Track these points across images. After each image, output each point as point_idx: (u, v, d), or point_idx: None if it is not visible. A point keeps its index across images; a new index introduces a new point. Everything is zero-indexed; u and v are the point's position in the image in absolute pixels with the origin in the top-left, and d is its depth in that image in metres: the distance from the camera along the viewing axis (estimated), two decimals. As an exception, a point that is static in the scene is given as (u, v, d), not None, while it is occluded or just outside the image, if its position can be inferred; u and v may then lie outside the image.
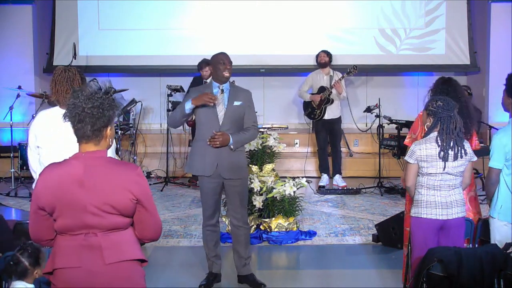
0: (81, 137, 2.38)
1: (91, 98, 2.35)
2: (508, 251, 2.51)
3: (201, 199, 4.37)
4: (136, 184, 2.39)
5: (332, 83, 7.69)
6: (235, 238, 4.41)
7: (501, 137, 3.48)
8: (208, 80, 8.00)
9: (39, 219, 2.40)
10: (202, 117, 4.22)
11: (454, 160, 3.43)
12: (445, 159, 3.41)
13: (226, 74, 4.23)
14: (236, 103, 4.24)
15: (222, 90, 4.25)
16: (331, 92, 7.70)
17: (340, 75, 7.82)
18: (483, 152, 4.63)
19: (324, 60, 7.84)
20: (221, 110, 4.21)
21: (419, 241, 3.51)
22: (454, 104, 3.48)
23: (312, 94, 7.88)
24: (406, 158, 3.53)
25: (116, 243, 2.38)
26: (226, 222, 5.51)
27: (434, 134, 3.47)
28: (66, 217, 2.35)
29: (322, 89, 7.80)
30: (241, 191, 4.30)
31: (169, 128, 8.28)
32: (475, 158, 3.56)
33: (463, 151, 3.44)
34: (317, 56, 7.94)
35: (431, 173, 3.46)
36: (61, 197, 2.34)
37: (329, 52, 7.93)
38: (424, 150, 3.45)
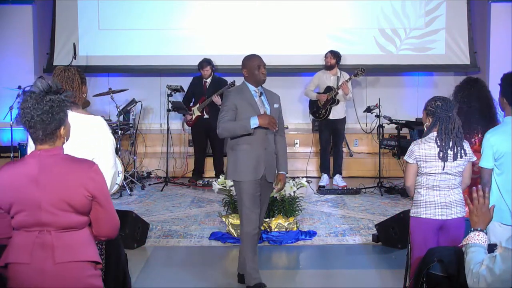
0: (35, 140, 2.41)
1: (40, 102, 2.34)
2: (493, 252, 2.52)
3: (244, 204, 4.16)
4: (91, 181, 2.39)
5: (339, 84, 7.68)
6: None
7: (490, 137, 3.47)
8: (209, 80, 8.11)
9: None
10: (247, 119, 4.12)
11: (453, 160, 3.44)
12: (444, 159, 3.42)
13: (263, 78, 4.21)
14: (275, 105, 4.26)
15: (261, 93, 4.23)
16: (337, 92, 7.70)
17: (347, 75, 7.82)
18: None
19: (330, 63, 7.84)
20: (266, 113, 4.18)
21: (419, 241, 3.51)
22: (453, 104, 3.49)
23: (319, 93, 7.88)
24: (405, 158, 3.53)
25: (68, 243, 2.39)
26: (226, 222, 5.53)
27: (433, 134, 3.47)
28: (21, 215, 2.37)
29: (328, 89, 7.79)
30: (270, 193, 4.42)
31: (169, 128, 8.30)
32: (475, 158, 3.56)
33: (462, 151, 3.45)
34: (325, 57, 7.94)
35: (430, 173, 3.46)
36: (17, 195, 2.36)
37: (336, 53, 7.90)
38: (423, 150, 3.46)
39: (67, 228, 2.39)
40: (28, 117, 2.35)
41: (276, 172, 4.32)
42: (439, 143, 3.43)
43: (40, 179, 2.36)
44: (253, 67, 4.19)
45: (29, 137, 3.48)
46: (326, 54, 7.91)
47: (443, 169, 3.44)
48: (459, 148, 3.44)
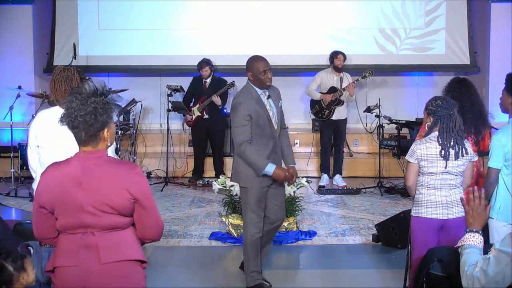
0: (78, 141, 2.42)
1: (84, 103, 2.36)
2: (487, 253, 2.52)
3: (250, 208, 4.13)
4: (134, 184, 2.39)
5: (346, 86, 7.66)
6: (269, 235, 4.41)
7: (501, 137, 3.47)
8: (208, 81, 8.10)
9: (41, 217, 2.44)
10: (260, 128, 4.06)
11: (455, 160, 3.44)
12: (446, 158, 3.42)
13: (268, 83, 4.12)
14: (280, 103, 4.25)
15: (268, 96, 4.17)
16: (342, 93, 7.69)
17: (349, 76, 7.81)
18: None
19: (341, 65, 7.80)
20: (273, 116, 4.14)
21: (419, 241, 3.51)
22: (454, 103, 3.48)
23: (322, 93, 7.86)
24: (407, 157, 3.53)
25: (113, 243, 2.39)
26: (226, 222, 5.53)
27: (435, 133, 3.47)
28: (65, 216, 2.38)
29: (333, 90, 7.77)
30: (284, 192, 4.44)
31: (169, 128, 8.30)
32: (476, 158, 3.56)
33: (463, 150, 3.45)
34: (334, 57, 7.80)
35: (431, 173, 3.46)
36: (60, 197, 2.36)
37: (345, 55, 7.89)
38: (424, 149, 3.45)
39: (110, 228, 2.38)
40: (72, 117, 2.36)
41: (285, 166, 4.30)
42: (440, 142, 3.43)
43: (82, 181, 2.36)
44: (258, 71, 4.08)
45: (29, 137, 3.49)
46: (338, 55, 7.79)
47: (445, 169, 3.44)
48: (460, 147, 3.44)
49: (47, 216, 2.43)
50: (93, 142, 2.41)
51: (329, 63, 7.94)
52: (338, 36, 9.03)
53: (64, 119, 2.40)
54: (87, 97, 2.38)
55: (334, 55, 7.85)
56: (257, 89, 4.13)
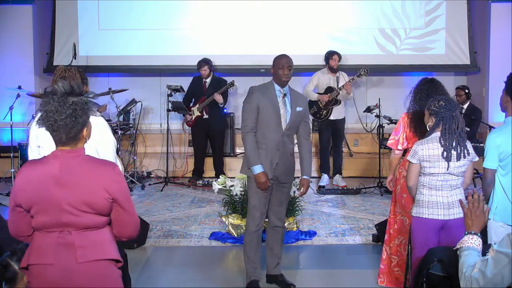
0: (57, 142, 2.41)
1: (63, 105, 2.34)
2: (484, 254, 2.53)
3: (251, 201, 4.24)
4: (114, 183, 2.40)
5: (342, 85, 7.67)
6: (273, 238, 4.40)
7: (495, 137, 3.46)
8: (208, 80, 8.10)
9: (17, 215, 2.43)
10: (265, 121, 4.14)
11: (456, 161, 3.44)
12: (448, 159, 3.42)
13: (284, 79, 4.19)
14: (299, 108, 4.23)
15: (285, 95, 4.22)
16: (339, 93, 7.70)
17: (346, 75, 7.82)
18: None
19: (337, 65, 7.82)
20: (284, 114, 4.17)
21: (420, 241, 3.51)
22: (456, 104, 3.49)
23: (319, 93, 7.88)
24: (409, 158, 3.52)
25: (90, 242, 2.39)
26: (226, 222, 5.53)
27: (437, 134, 3.47)
28: (42, 215, 2.37)
29: (329, 90, 7.78)
30: (288, 193, 4.39)
31: (169, 128, 8.30)
32: (477, 158, 3.56)
33: (465, 151, 3.45)
34: (330, 58, 7.83)
35: (433, 173, 3.46)
36: (38, 195, 2.36)
37: (340, 55, 7.90)
38: (426, 150, 3.45)
39: (88, 228, 2.39)
40: (51, 121, 2.35)
41: (300, 176, 4.35)
42: (442, 143, 3.43)
43: (61, 180, 2.36)
44: (277, 66, 4.20)
45: (30, 137, 3.49)
46: (333, 56, 7.81)
47: (447, 170, 3.44)
48: (462, 148, 3.44)
49: (23, 214, 2.42)
50: (72, 143, 2.40)
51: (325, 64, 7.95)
52: (338, 36, 9.03)
53: (43, 123, 2.37)
54: (64, 99, 2.36)
55: (329, 55, 7.88)
56: (276, 85, 4.23)
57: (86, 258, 2.37)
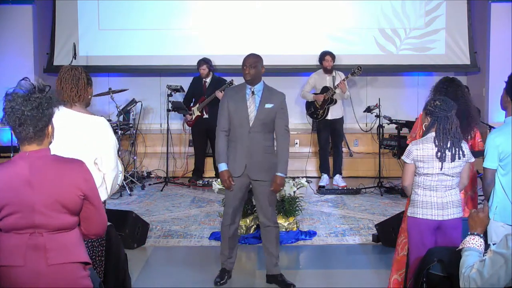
0: (23, 139, 2.38)
1: (27, 99, 2.34)
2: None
3: (225, 198, 4.46)
4: (84, 181, 2.40)
5: (336, 84, 7.70)
6: (265, 238, 4.45)
7: (495, 137, 3.46)
8: (208, 80, 8.10)
9: None
10: (234, 119, 4.31)
11: (451, 161, 3.43)
12: (442, 159, 3.41)
13: (246, 78, 4.31)
14: (268, 105, 4.28)
15: (253, 92, 4.30)
16: (334, 92, 7.71)
17: (342, 75, 7.84)
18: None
19: (331, 66, 7.84)
20: (252, 112, 4.27)
21: (416, 241, 3.51)
22: (453, 104, 3.46)
23: (316, 94, 7.89)
24: (403, 158, 3.52)
25: (61, 245, 2.39)
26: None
27: (432, 134, 3.46)
28: (14, 217, 2.35)
29: (325, 89, 7.80)
30: (271, 192, 4.35)
31: (169, 128, 8.30)
32: (473, 159, 3.55)
33: (460, 152, 3.44)
34: (322, 59, 7.88)
35: (427, 174, 3.45)
36: (10, 197, 2.34)
37: (334, 55, 7.92)
38: (421, 150, 3.45)
39: (59, 229, 2.39)
40: (18, 114, 2.33)
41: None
42: (437, 143, 3.42)
43: (32, 181, 2.34)
44: (242, 67, 4.35)
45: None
46: (325, 57, 7.85)
47: (441, 170, 3.43)
48: (457, 149, 3.43)
49: None
50: (38, 139, 2.38)
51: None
52: (338, 36, 9.03)
53: (8, 118, 2.35)
54: (28, 94, 2.35)
55: (322, 56, 7.92)
56: (247, 85, 4.34)
57: (56, 261, 2.36)
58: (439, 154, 3.41)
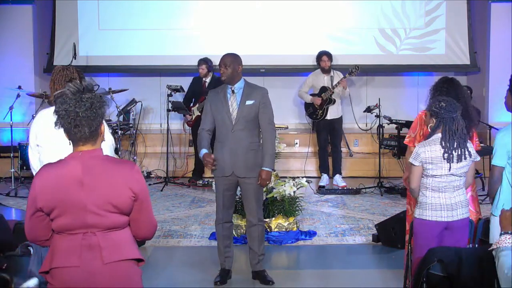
0: (78, 140, 2.38)
1: (79, 100, 2.34)
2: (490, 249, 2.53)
3: (215, 196, 4.47)
4: (136, 182, 2.40)
5: (335, 84, 7.70)
6: (249, 235, 4.49)
7: (503, 136, 3.50)
8: (208, 80, 8.10)
9: (36, 219, 2.40)
10: (217, 119, 4.35)
11: (458, 162, 3.43)
12: (450, 160, 3.41)
13: (222, 77, 4.40)
14: (248, 102, 4.32)
15: (233, 91, 4.35)
16: (332, 92, 7.72)
17: (341, 74, 7.85)
18: (483, 153, 4.64)
19: (328, 66, 7.85)
20: (234, 111, 4.31)
21: (422, 242, 3.50)
22: (458, 105, 3.47)
23: (313, 94, 7.90)
24: (411, 160, 3.51)
25: (114, 243, 2.39)
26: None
27: (438, 135, 3.46)
28: (65, 217, 2.35)
29: (323, 89, 7.81)
30: (256, 189, 4.38)
31: (169, 128, 8.30)
32: (478, 158, 3.56)
33: (466, 152, 3.45)
34: (319, 59, 7.91)
35: (436, 175, 3.45)
36: (61, 198, 2.34)
37: (330, 54, 7.92)
38: (428, 152, 3.44)
39: (112, 228, 2.39)
40: (73, 115, 2.32)
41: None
42: (443, 145, 3.42)
43: (84, 181, 2.34)
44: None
45: (30, 136, 3.49)
46: (322, 57, 7.86)
47: (449, 171, 3.43)
48: (463, 150, 3.43)
49: (42, 218, 2.39)
50: (93, 139, 2.39)
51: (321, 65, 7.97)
52: (338, 36, 9.03)
53: (62, 121, 2.35)
54: (79, 95, 2.35)
55: (319, 57, 7.93)
56: (228, 84, 4.41)
57: (111, 259, 2.37)
58: (446, 155, 3.41)
